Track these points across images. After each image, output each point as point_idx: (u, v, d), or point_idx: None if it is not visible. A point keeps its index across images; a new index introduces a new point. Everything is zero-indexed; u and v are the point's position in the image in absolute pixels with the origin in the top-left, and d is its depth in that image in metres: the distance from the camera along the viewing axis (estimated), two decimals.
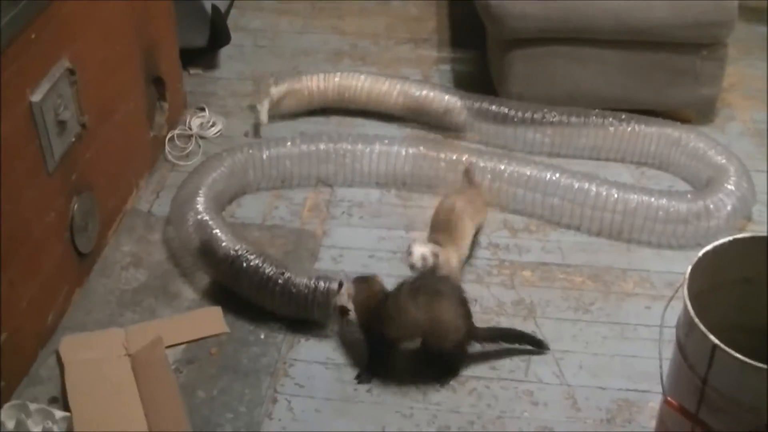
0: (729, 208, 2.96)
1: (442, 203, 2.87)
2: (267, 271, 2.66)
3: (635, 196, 2.96)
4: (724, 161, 3.12)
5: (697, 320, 1.94)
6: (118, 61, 2.96)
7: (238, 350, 2.62)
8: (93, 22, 2.74)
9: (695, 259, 2.09)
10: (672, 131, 3.29)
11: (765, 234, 2.25)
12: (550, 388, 2.53)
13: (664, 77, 3.45)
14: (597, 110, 3.34)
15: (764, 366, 1.85)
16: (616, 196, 2.97)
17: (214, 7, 3.74)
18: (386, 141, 3.19)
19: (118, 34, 2.95)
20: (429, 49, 4.05)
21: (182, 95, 3.57)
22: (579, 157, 3.36)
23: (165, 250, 2.95)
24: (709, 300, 2.10)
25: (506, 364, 2.59)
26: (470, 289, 2.80)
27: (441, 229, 2.79)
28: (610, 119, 3.31)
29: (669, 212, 2.94)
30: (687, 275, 2.04)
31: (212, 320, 2.70)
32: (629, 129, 3.30)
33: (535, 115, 3.33)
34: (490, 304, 2.78)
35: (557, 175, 3.03)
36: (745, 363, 1.86)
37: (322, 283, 2.64)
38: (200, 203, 2.88)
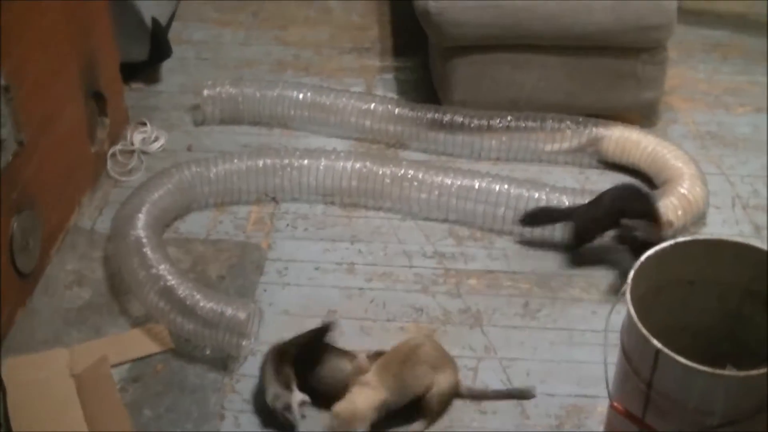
0: (680, 212, 2.97)
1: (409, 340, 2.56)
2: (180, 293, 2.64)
3: (585, 201, 2.97)
4: (680, 165, 3.13)
5: (640, 325, 1.94)
6: (56, 76, 2.93)
7: (184, 367, 2.60)
8: (28, 37, 2.71)
9: (638, 264, 2.09)
10: (630, 134, 3.31)
11: (706, 237, 2.27)
12: None
13: (607, 81, 3.46)
14: (553, 114, 3.35)
15: (707, 369, 1.86)
16: (567, 203, 2.98)
17: (155, 21, 3.70)
18: (332, 156, 3.17)
19: (55, 49, 2.91)
20: (372, 58, 4.04)
21: (123, 110, 3.53)
22: (530, 161, 3.37)
23: (109, 267, 2.91)
24: (653, 303, 2.11)
25: None
26: (416, 299, 2.82)
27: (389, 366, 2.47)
28: (567, 122, 3.32)
29: None
30: (630, 279, 2.05)
31: (158, 337, 2.67)
32: (587, 132, 3.31)
33: (491, 122, 3.34)
34: (436, 313, 2.77)
35: (506, 186, 3.03)
36: (689, 366, 1.87)
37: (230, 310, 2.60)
38: (140, 221, 2.85)
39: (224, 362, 2.60)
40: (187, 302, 2.60)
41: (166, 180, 3.06)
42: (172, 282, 2.66)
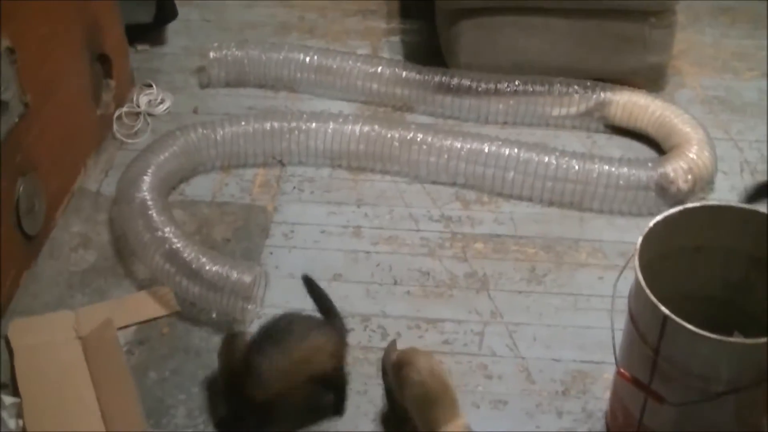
0: (689, 176, 2.96)
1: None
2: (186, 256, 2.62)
3: (595, 166, 2.97)
4: (688, 129, 3.12)
5: (648, 291, 1.94)
6: (60, 39, 2.91)
7: (190, 329, 2.60)
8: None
9: (646, 229, 2.09)
10: (638, 99, 3.29)
11: (714, 203, 2.26)
12: (504, 361, 2.52)
13: (613, 45, 3.44)
14: (561, 78, 3.33)
15: (714, 336, 1.86)
16: (576, 167, 2.97)
17: None
18: (340, 119, 3.16)
19: (59, 11, 2.90)
20: (378, 20, 4.02)
21: (129, 72, 3.52)
22: (536, 125, 3.36)
23: (114, 230, 2.91)
24: (660, 268, 2.11)
25: (460, 338, 2.58)
26: (423, 263, 2.82)
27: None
28: (575, 87, 3.30)
29: (629, 180, 2.95)
30: (638, 245, 2.04)
31: (163, 300, 2.67)
32: (594, 96, 3.29)
33: (498, 86, 3.32)
34: (443, 277, 2.77)
35: (515, 150, 3.01)
36: (696, 333, 1.87)
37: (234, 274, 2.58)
38: (146, 183, 2.84)
39: (230, 325, 2.59)
40: (193, 265, 2.60)
41: (172, 142, 3.04)
42: (178, 245, 2.65)
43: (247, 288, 2.58)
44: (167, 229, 2.70)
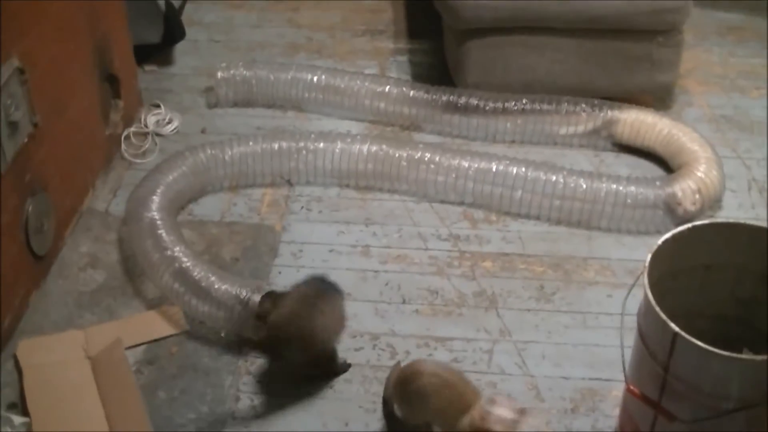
0: (697, 195, 2.96)
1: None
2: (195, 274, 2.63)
3: (603, 185, 2.97)
4: (696, 148, 3.12)
5: (657, 309, 1.94)
6: (70, 59, 2.93)
7: (199, 349, 2.60)
8: (42, 19, 2.71)
9: (655, 247, 2.09)
10: (645, 117, 3.29)
11: (723, 221, 2.26)
12: (513, 379, 2.52)
13: (621, 64, 3.45)
14: (568, 97, 3.34)
15: (725, 353, 1.86)
16: (584, 186, 2.97)
17: (168, 3, 3.71)
18: (348, 139, 3.16)
19: (69, 31, 2.91)
20: (385, 40, 4.03)
21: (137, 92, 3.53)
22: (544, 144, 3.37)
23: (123, 249, 2.91)
24: (669, 287, 2.11)
25: (469, 356, 2.58)
26: (431, 282, 2.82)
27: None
28: (582, 105, 3.31)
29: (637, 199, 2.95)
30: (647, 263, 2.05)
31: (172, 319, 2.67)
32: (602, 115, 3.30)
33: (506, 105, 3.33)
34: (451, 296, 2.77)
35: (523, 168, 3.01)
36: (706, 350, 1.87)
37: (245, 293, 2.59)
38: (155, 203, 2.85)
39: (239, 344, 2.59)
40: (202, 284, 2.60)
41: (181, 162, 3.05)
42: (187, 264, 2.65)
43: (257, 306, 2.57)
44: (176, 249, 2.70)
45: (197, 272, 2.63)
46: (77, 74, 3.00)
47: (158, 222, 2.79)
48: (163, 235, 2.75)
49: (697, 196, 2.94)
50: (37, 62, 2.66)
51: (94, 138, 3.17)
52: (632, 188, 2.96)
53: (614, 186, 2.96)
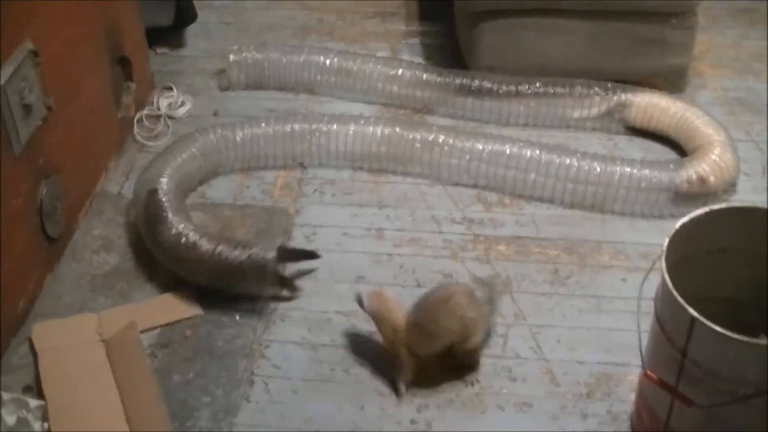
0: (712, 178, 2.95)
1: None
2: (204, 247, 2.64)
3: (616, 168, 2.96)
4: (710, 131, 3.11)
5: (675, 293, 1.94)
6: (82, 41, 2.92)
7: (213, 332, 2.59)
8: (54, 2, 2.70)
9: (672, 231, 2.08)
10: (659, 100, 3.28)
11: (739, 204, 2.25)
12: (529, 364, 2.52)
13: (634, 47, 3.43)
14: (581, 80, 3.33)
15: (743, 338, 1.86)
16: (598, 169, 2.96)
17: None
18: (361, 121, 3.16)
19: (81, 14, 2.90)
20: (397, 22, 4.02)
21: (149, 75, 3.53)
22: (557, 127, 3.36)
23: (134, 232, 2.90)
24: (684, 270, 2.10)
25: None
26: (445, 265, 2.81)
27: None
28: (596, 89, 3.30)
29: (651, 182, 2.94)
30: (664, 248, 2.04)
31: (185, 303, 2.67)
32: (615, 98, 3.29)
33: (519, 88, 3.32)
34: (465, 279, 2.76)
35: (537, 151, 3.01)
36: (724, 335, 1.86)
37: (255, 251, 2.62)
38: (163, 184, 2.84)
39: (253, 326, 2.59)
40: (214, 255, 2.62)
41: (191, 144, 3.05)
42: (193, 238, 2.66)
43: (270, 262, 2.59)
44: (181, 226, 2.69)
45: (205, 244, 2.64)
46: (89, 57, 3.00)
47: (165, 204, 2.78)
48: (169, 216, 2.74)
49: (712, 178, 2.94)
50: (50, 45, 2.65)
51: (107, 121, 3.17)
52: (646, 171, 2.95)
53: (628, 169, 2.95)
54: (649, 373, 2.09)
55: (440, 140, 3.07)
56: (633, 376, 2.39)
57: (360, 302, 2.47)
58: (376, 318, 2.47)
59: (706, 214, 2.14)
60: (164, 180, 2.86)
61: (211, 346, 2.56)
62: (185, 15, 3.78)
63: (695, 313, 1.89)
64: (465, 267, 2.80)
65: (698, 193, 2.94)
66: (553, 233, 2.93)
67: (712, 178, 2.94)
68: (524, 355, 2.54)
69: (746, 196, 3.05)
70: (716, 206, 2.17)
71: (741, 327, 1.94)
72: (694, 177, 2.93)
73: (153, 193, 2.77)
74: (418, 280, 2.76)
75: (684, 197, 2.94)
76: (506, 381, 2.47)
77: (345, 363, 2.53)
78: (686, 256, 2.15)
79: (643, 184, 2.94)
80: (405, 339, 2.42)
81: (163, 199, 2.77)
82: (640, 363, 2.14)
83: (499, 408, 2.40)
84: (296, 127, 3.13)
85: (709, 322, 1.88)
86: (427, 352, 2.44)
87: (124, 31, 3.24)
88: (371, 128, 3.12)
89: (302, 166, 3.17)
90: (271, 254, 2.60)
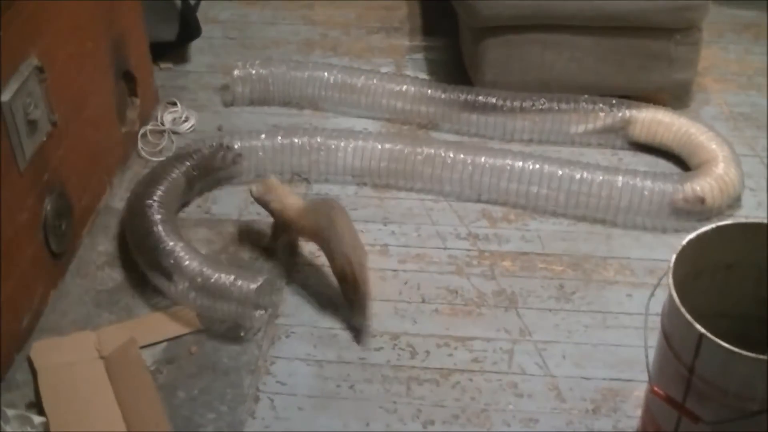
0: (716, 193, 2.95)
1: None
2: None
3: (621, 178, 2.97)
4: (714, 146, 3.10)
5: (683, 310, 1.93)
6: (87, 57, 2.92)
7: (218, 348, 2.59)
8: (60, 17, 2.70)
9: (679, 248, 2.07)
10: (663, 116, 3.28)
11: (747, 220, 2.25)
12: (534, 380, 2.51)
13: (638, 62, 3.43)
14: (586, 96, 3.32)
15: (751, 354, 1.85)
16: (601, 178, 2.97)
17: (184, 1, 3.69)
18: (362, 136, 3.16)
19: (86, 29, 2.91)
20: (401, 38, 4.02)
21: (153, 90, 3.53)
22: (562, 143, 3.35)
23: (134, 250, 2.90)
24: (691, 286, 2.10)
25: (489, 356, 2.57)
26: (450, 281, 2.81)
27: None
28: (600, 105, 3.30)
29: (656, 196, 2.94)
30: (671, 264, 2.03)
31: (186, 318, 2.66)
32: (620, 114, 3.29)
33: (524, 103, 3.32)
34: (471, 295, 2.76)
35: (539, 164, 3.01)
36: (732, 351, 1.86)
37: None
38: (155, 196, 2.85)
39: (259, 342, 2.59)
40: (198, 279, 2.60)
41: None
42: (182, 256, 2.65)
43: (254, 295, 2.57)
44: (171, 243, 2.69)
45: (193, 265, 2.63)
46: (94, 72, 3.00)
47: (156, 216, 2.78)
48: (159, 229, 2.74)
49: (716, 193, 2.93)
50: (55, 61, 2.65)
51: (111, 136, 3.17)
52: (649, 184, 2.95)
53: (632, 182, 2.95)
54: (656, 388, 2.08)
55: (442, 154, 3.07)
56: (639, 391, 2.38)
57: (251, 194, 2.85)
58: (261, 202, 2.84)
59: (713, 230, 2.14)
60: (158, 192, 2.88)
61: (216, 362, 2.56)
62: (189, 30, 3.77)
63: (703, 330, 1.88)
64: (471, 283, 2.80)
65: (697, 210, 2.94)
66: (559, 248, 2.93)
67: (709, 199, 2.94)
68: (530, 371, 2.53)
69: (751, 211, 3.04)
70: (723, 222, 2.17)
71: (749, 343, 1.93)
72: (690, 194, 2.93)
73: (144, 204, 2.82)
74: (423, 297, 2.75)
75: (683, 212, 2.94)
76: (512, 397, 2.46)
77: (350, 379, 2.52)
78: (694, 272, 2.14)
79: (645, 193, 2.93)
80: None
81: (154, 211, 2.80)
82: (646, 379, 2.14)
83: (505, 424, 2.39)
84: (299, 141, 3.13)
85: (717, 339, 1.87)
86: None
87: (129, 46, 3.24)
88: (374, 143, 3.12)
89: (306, 181, 3.17)
90: (254, 286, 2.59)
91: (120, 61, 3.18)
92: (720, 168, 3.00)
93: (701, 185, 2.94)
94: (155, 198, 2.84)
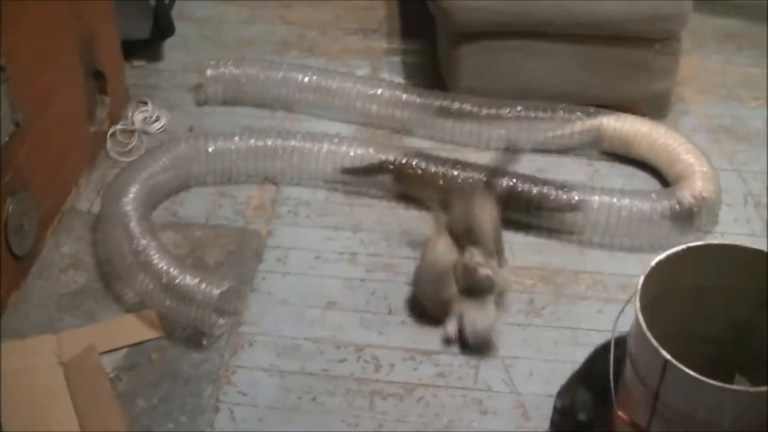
0: (694, 209, 2.91)
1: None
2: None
3: (596, 197, 2.92)
4: (692, 160, 3.06)
5: (648, 334, 1.89)
6: (53, 55, 2.86)
7: (180, 356, 2.54)
8: (25, 14, 2.64)
9: (648, 269, 2.04)
10: (641, 126, 3.24)
11: (720, 242, 2.22)
12: (500, 397, 2.47)
13: (617, 71, 3.39)
14: (563, 104, 3.29)
15: (717, 383, 1.82)
16: (576, 198, 2.92)
17: None
18: (335, 140, 3.11)
19: (53, 27, 2.85)
20: (378, 39, 3.97)
21: (124, 88, 3.47)
22: (538, 151, 3.30)
23: (104, 251, 2.85)
24: (662, 307, 2.06)
25: (455, 371, 2.53)
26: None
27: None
28: (577, 113, 3.26)
29: (632, 212, 2.89)
30: (639, 285, 1.99)
31: (148, 324, 2.62)
32: (597, 123, 3.25)
33: (500, 111, 3.28)
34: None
35: (513, 181, 2.96)
36: (698, 379, 1.83)
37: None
38: (130, 198, 2.81)
39: (221, 351, 2.55)
40: (163, 278, 2.56)
41: (160, 156, 3.01)
42: (152, 256, 2.61)
43: (216, 301, 2.53)
44: (143, 241, 2.65)
45: (160, 265, 2.59)
46: (61, 70, 2.94)
47: (130, 214, 2.75)
48: (132, 225, 2.70)
49: (694, 209, 2.90)
50: (21, 58, 2.60)
51: (79, 136, 3.11)
52: (626, 201, 2.90)
53: (608, 199, 2.91)
54: (620, 413, 2.04)
55: (414, 163, 3.03)
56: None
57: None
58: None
59: (684, 251, 2.10)
60: (133, 189, 2.84)
61: (177, 370, 2.51)
62: (163, 28, 3.72)
63: (668, 356, 1.85)
64: None
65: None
66: (530, 261, 2.88)
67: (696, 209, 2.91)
68: (496, 388, 2.49)
69: (728, 227, 3.01)
70: (694, 243, 2.13)
71: (721, 365, 1.91)
72: (677, 206, 2.89)
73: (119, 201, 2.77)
74: (390, 307, 2.71)
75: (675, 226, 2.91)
76: (477, 414, 2.42)
77: (313, 391, 2.47)
78: (665, 292, 2.11)
79: (623, 214, 2.89)
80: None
81: (128, 209, 2.75)
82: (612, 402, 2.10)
83: None
84: (269, 142, 3.09)
85: (682, 366, 1.83)
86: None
87: (99, 44, 3.18)
88: (344, 147, 3.07)
89: (275, 184, 3.12)
90: (218, 290, 2.54)
91: (89, 59, 3.12)
92: (698, 184, 2.95)
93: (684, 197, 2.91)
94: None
